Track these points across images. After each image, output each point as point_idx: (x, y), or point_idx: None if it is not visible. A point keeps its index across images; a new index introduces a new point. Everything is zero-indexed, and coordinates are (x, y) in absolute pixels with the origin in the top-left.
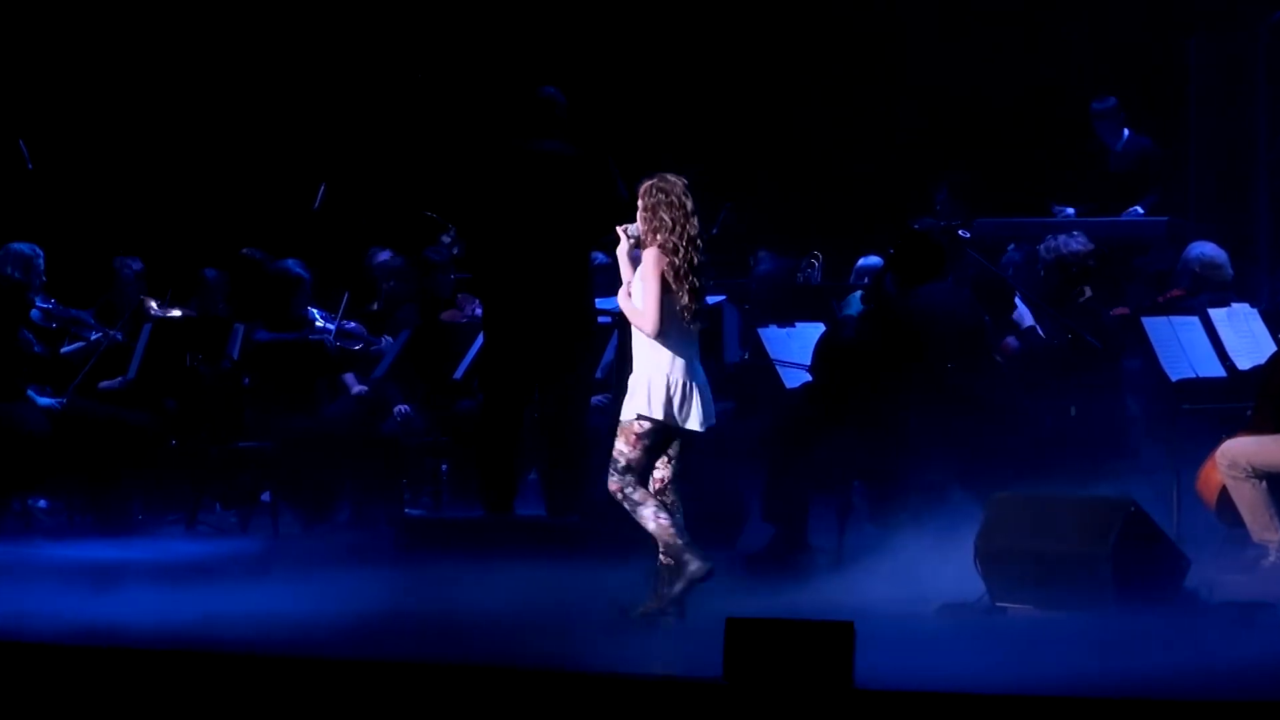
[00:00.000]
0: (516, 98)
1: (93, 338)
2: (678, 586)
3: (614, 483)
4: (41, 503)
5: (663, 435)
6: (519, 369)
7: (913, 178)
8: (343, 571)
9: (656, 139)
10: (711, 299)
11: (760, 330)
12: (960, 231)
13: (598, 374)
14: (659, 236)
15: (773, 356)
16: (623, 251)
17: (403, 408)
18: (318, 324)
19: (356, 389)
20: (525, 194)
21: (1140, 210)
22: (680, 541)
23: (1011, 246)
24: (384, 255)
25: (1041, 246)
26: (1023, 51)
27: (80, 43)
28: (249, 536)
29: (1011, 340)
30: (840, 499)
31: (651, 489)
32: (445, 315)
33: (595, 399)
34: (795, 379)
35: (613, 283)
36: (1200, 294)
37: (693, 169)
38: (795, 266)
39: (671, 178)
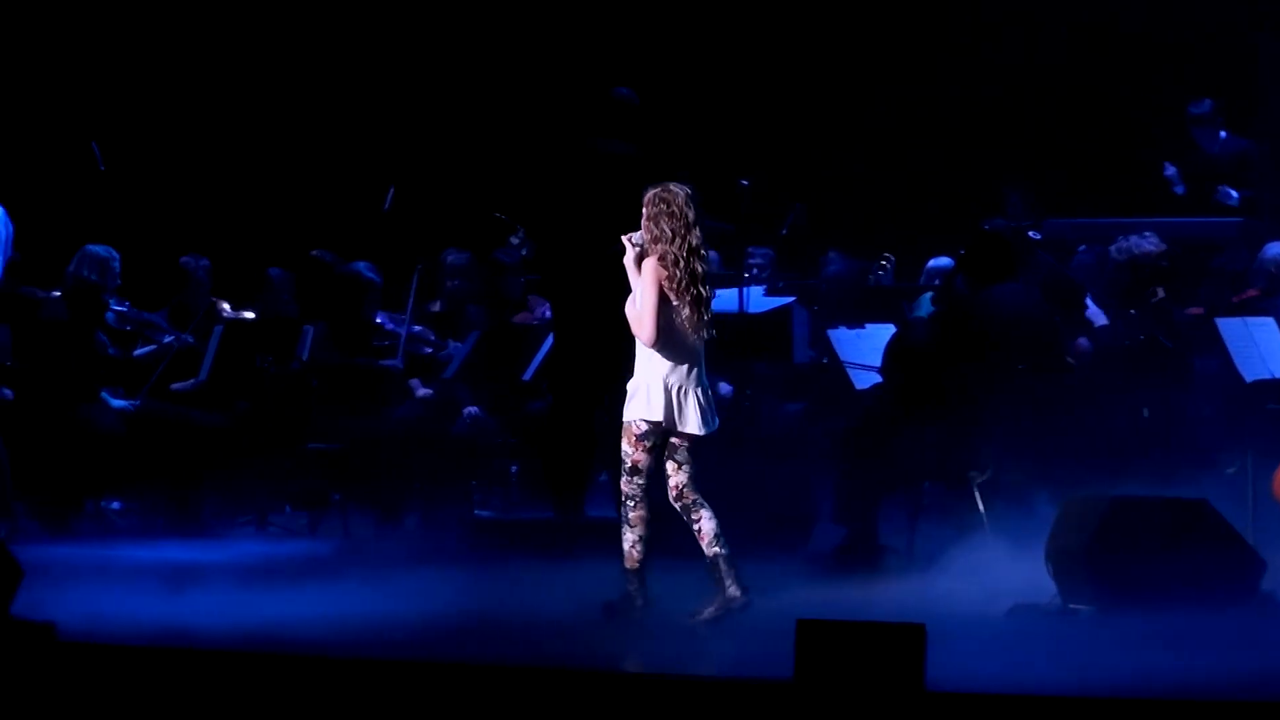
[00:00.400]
0: (589, 99)
1: (165, 340)
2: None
3: (625, 484)
4: (115, 504)
5: (662, 436)
6: (589, 370)
7: (984, 179)
8: (412, 573)
9: (728, 140)
10: (781, 300)
11: (830, 332)
12: (1030, 233)
13: None
14: (659, 247)
15: (842, 358)
16: (630, 260)
17: (472, 409)
18: (388, 326)
19: (421, 392)
20: (596, 196)
21: (1234, 193)
22: (636, 578)
23: (1082, 248)
24: (450, 257)
25: (1113, 247)
26: (1093, 52)
27: (150, 45)
28: (319, 538)
29: (1083, 341)
30: (911, 499)
31: (670, 496)
32: (515, 317)
33: None
34: (865, 380)
35: None
36: (1276, 294)
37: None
38: (866, 268)
39: (674, 187)
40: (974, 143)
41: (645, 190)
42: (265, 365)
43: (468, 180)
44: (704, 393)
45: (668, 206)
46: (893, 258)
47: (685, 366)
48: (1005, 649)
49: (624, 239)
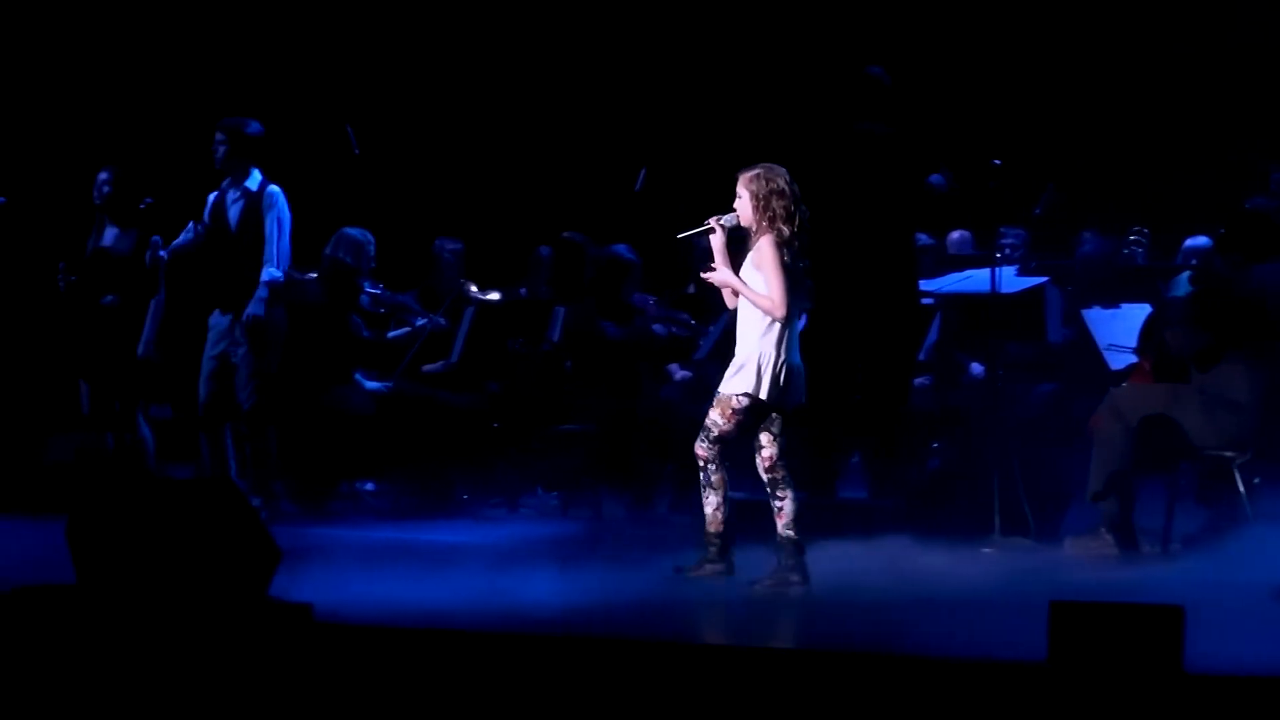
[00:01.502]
0: (842, 77)
1: (418, 323)
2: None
3: (702, 449)
4: (369, 486)
5: (759, 414)
6: (843, 351)
7: (1244, 156)
8: (665, 555)
9: (980, 118)
10: (1034, 280)
11: (1084, 311)
12: None
13: (920, 356)
14: (775, 226)
15: (1097, 338)
16: (719, 242)
17: None
18: (646, 309)
19: (680, 375)
20: (850, 175)
21: None
22: (719, 541)
23: None
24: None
25: None
26: None
27: (403, 29)
28: (571, 520)
29: None
30: (1168, 480)
31: (761, 467)
32: None
33: (918, 381)
34: (1120, 361)
35: (935, 265)
36: None
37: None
38: (1119, 246)
39: (776, 168)
40: (1234, 120)
41: (744, 170)
42: (516, 347)
43: (719, 160)
44: (798, 367)
45: (776, 184)
46: (1147, 230)
47: (788, 342)
48: (1267, 631)
49: (712, 221)
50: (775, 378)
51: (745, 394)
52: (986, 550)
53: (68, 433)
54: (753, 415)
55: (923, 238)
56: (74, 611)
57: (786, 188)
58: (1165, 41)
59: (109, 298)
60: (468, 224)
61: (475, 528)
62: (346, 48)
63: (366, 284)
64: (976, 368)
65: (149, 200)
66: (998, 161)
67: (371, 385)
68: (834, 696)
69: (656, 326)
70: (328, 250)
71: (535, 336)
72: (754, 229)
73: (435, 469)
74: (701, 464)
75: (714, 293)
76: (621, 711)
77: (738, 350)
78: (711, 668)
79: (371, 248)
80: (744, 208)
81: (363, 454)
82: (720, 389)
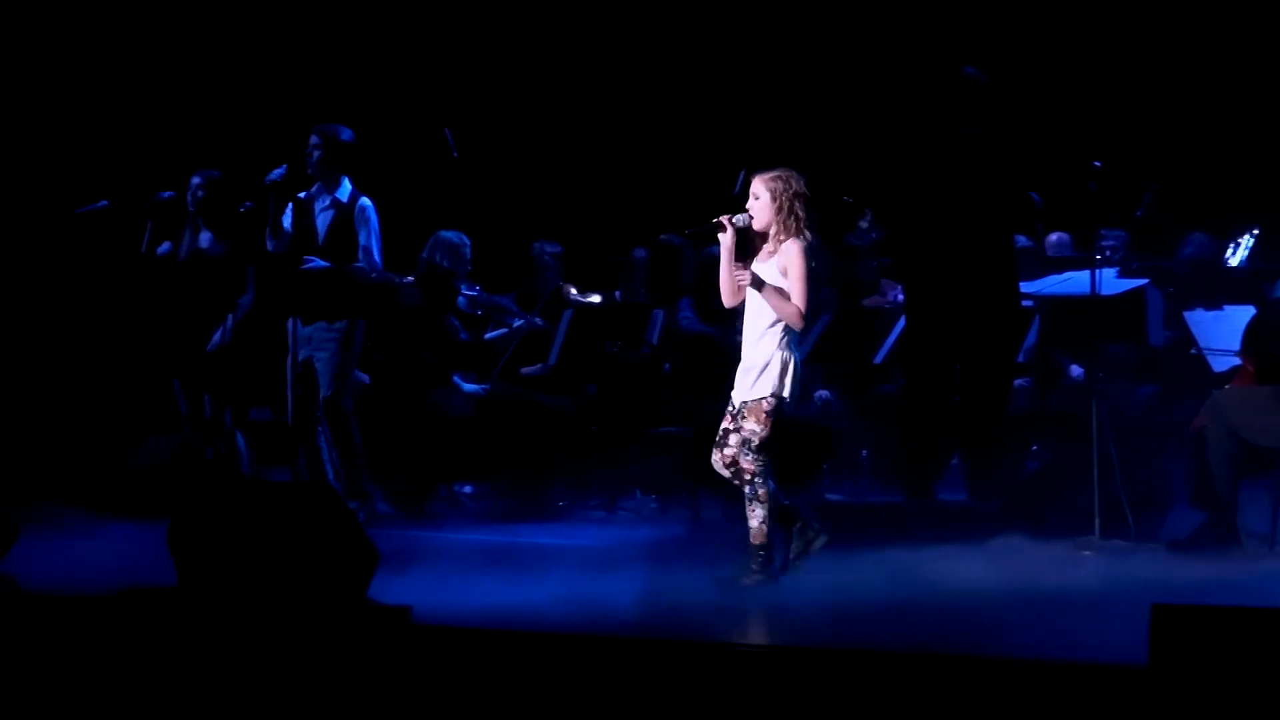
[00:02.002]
0: (939, 80)
1: (515, 324)
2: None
3: (748, 463)
4: (467, 488)
5: (783, 415)
6: (942, 353)
7: None
8: None
9: (1080, 120)
10: (1134, 281)
11: (1186, 314)
12: None
13: (1020, 357)
14: (802, 229)
15: (1199, 341)
16: (729, 241)
17: (823, 393)
18: None
19: None
20: (950, 178)
21: None
22: (764, 554)
23: None
24: None
25: None
26: None
27: (502, 33)
28: (670, 522)
29: None
30: (1272, 482)
31: (721, 464)
32: (867, 300)
33: (1017, 382)
34: (1223, 363)
35: (1035, 267)
36: None
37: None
38: (1222, 248)
39: (794, 171)
40: None
41: (762, 172)
42: (614, 350)
43: (817, 163)
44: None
45: (798, 189)
46: (1257, 231)
47: (798, 343)
48: None
49: (725, 219)
50: (795, 377)
51: (774, 396)
52: (1086, 552)
53: (162, 435)
54: (779, 416)
55: (1022, 240)
56: (176, 613)
57: (806, 193)
58: (1273, 40)
59: (201, 299)
60: (566, 227)
61: (573, 530)
62: (446, 51)
63: (463, 286)
64: (1076, 370)
65: (248, 204)
66: (1098, 163)
67: (469, 388)
68: (935, 699)
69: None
70: (424, 254)
71: (633, 339)
72: (775, 231)
73: (533, 472)
74: (749, 477)
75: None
76: (717, 714)
77: (752, 354)
78: (814, 671)
79: (467, 250)
80: (761, 209)
81: (461, 457)
82: (744, 397)
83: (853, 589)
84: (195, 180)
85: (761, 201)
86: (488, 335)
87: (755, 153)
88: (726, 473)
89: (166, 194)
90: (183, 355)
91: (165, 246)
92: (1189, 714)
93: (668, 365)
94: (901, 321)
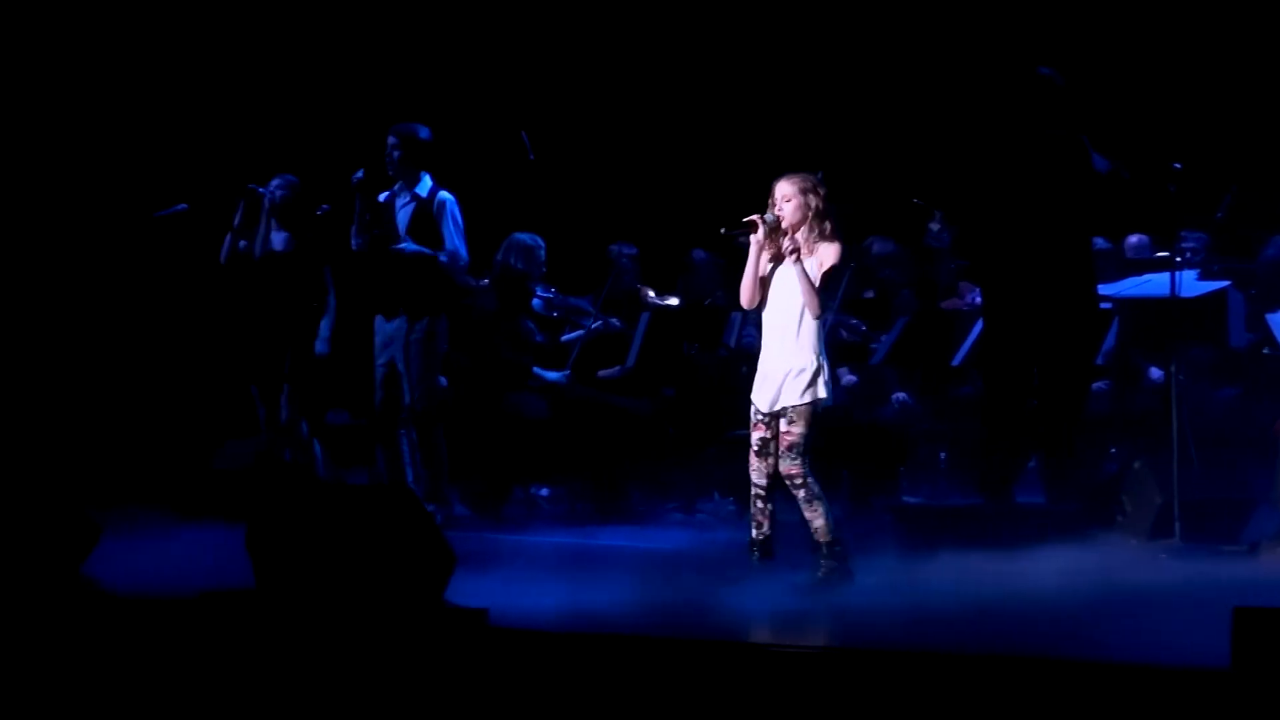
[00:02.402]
0: (1016, 79)
1: (592, 325)
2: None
3: (796, 467)
4: (543, 491)
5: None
6: (1020, 355)
7: None
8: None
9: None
10: (1215, 284)
11: (1269, 316)
12: None
13: (1098, 360)
14: (835, 233)
15: None
16: (759, 240)
17: (900, 395)
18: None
19: (847, 379)
20: (1027, 178)
21: None
22: (838, 544)
23: None
24: (877, 244)
25: None
26: None
27: (579, 35)
28: (747, 525)
29: None
30: None
31: (768, 472)
32: (945, 302)
33: (1096, 385)
34: None
35: (1114, 269)
36: None
37: None
38: None
39: (816, 175)
40: None
41: (790, 176)
42: (692, 352)
43: (890, 165)
44: None
45: (822, 191)
46: None
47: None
48: None
49: (755, 218)
50: (832, 378)
51: (820, 399)
52: (1165, 555)
53: (241, 438)
54: (820, 418)
55: (1100, 242)
56: (254, 616)
57: (826, 193)
58: None
59: (275, 302)
60: (642, 229)
61: (650, 533)
62: (522, 54)
63: (538, 288)
64: (1156, 372)
65: (325, 207)
66: (1178, 165)
67: (551, 376)
68: (1014, 702)
69: (841, 331)
70: (499, 256)
71: (711, 341)
72: (807, 234)
73: (610, 474)
74: (801, 481)
75: (891, 298)
76: (793, 718)
77: (787, 359)
78: (892, 675)
79: (542, 252)
80: (792, 209)
81: (538, 459)
82: (790, 402)
83: (930, 592)
84: (274, 182)
85: (793, 203)
86: (564, 337)
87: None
88: (764, 481)
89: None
90: (259, 358)
91: (243, 244)
92: (1271, 717)
93: (745, 368)
94: (979, 324)
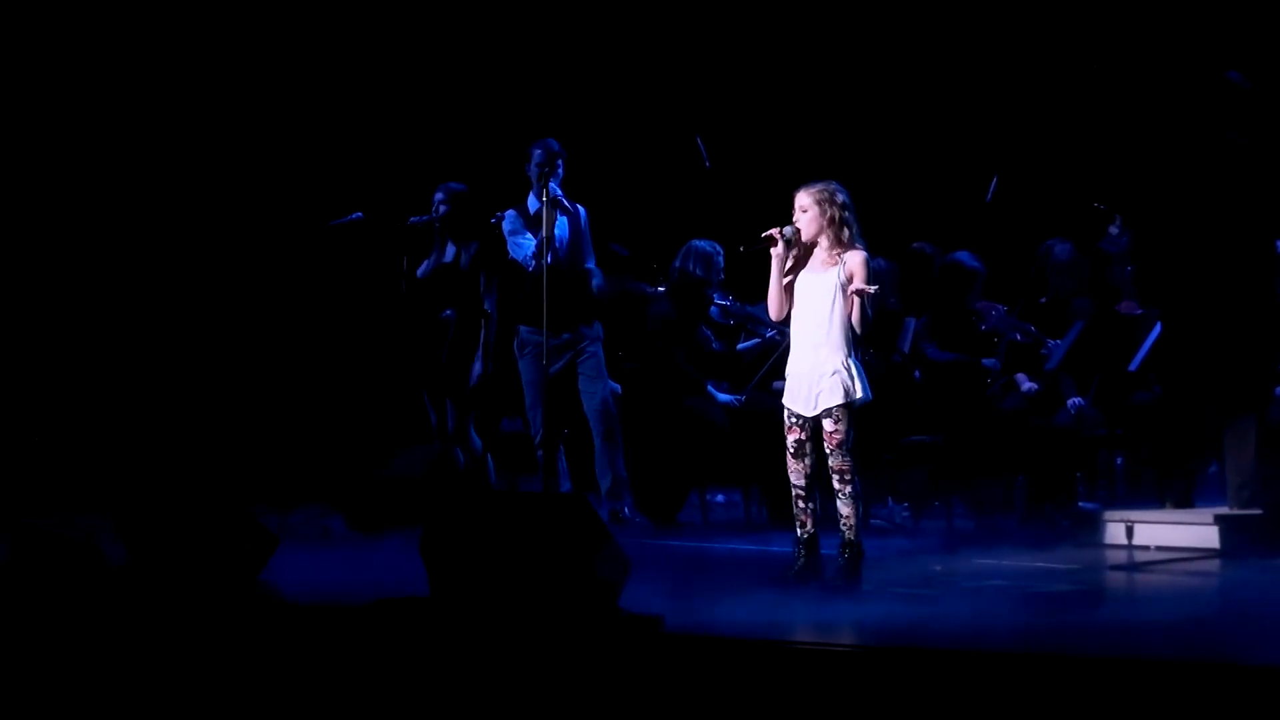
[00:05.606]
0: (1200, 83)
1: (767, 335)
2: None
3: (848, 463)
4: (719, 497)
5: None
6: (1199, 361)
7: None
8: (1016, 568)
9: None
10: None
11: None
12: None
13: None
14: (856, 241)
15: None
16: (780, 254)
17: (1076, 400)
18: (992, 314)
19: (1026, 386)
20: (1208, 184)
21: None
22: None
23: None
24: (1057, 247)
25: None
26: None
27: (757, 44)
28: (922, 532)
29: None
30: None
31: (805, 468)
32: (1121, 307)
33: (1278, 390)
34: None
35: None
36: None
37: None
38: None
39: (838, 184)
40: None
41: (808, 186)
42: (867, 358)
43: (1070, 169)
44: None
45: (845, 201)
46: None
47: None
48: None
49: (775, 232)
50: (866, 377)
51: (859, 399)
52: None
53: (415, 446)
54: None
55: None
56: (429, 623)
57: (850, 203)
58: None
59: (448, 312)
60: None
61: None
62: (700, 61)
63: (716, 295)
64: None
65: (499, 216)
66: None
67: (724, 398)
68: (1206, 709)
69: (1016, 334)
70: (676, 263)
71: (885, 348)
72: (828, 244)
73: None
74: (850, 476)
75: (1068, 305)
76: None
77: (823, 361)
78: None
79: (720, 259)
80: (810, 221)
81: (714, 465)
82: (832, 402)
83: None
84: (438, 196)
85: (810, 214)
86: (740, 346)
87: (1011, 159)
88: (803, 481)
89: (417, 219)
90: (430, 367)
91: (423, 268)
92: None
93: (918, 373)
94: (1157, 328)
